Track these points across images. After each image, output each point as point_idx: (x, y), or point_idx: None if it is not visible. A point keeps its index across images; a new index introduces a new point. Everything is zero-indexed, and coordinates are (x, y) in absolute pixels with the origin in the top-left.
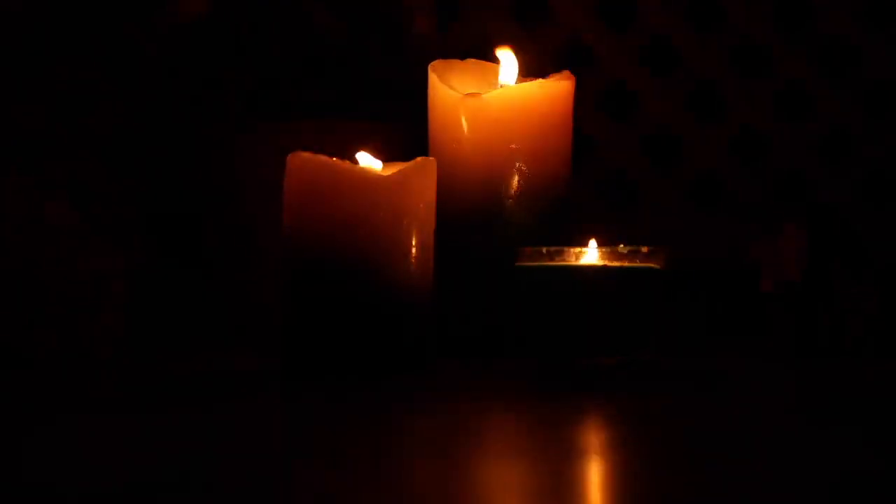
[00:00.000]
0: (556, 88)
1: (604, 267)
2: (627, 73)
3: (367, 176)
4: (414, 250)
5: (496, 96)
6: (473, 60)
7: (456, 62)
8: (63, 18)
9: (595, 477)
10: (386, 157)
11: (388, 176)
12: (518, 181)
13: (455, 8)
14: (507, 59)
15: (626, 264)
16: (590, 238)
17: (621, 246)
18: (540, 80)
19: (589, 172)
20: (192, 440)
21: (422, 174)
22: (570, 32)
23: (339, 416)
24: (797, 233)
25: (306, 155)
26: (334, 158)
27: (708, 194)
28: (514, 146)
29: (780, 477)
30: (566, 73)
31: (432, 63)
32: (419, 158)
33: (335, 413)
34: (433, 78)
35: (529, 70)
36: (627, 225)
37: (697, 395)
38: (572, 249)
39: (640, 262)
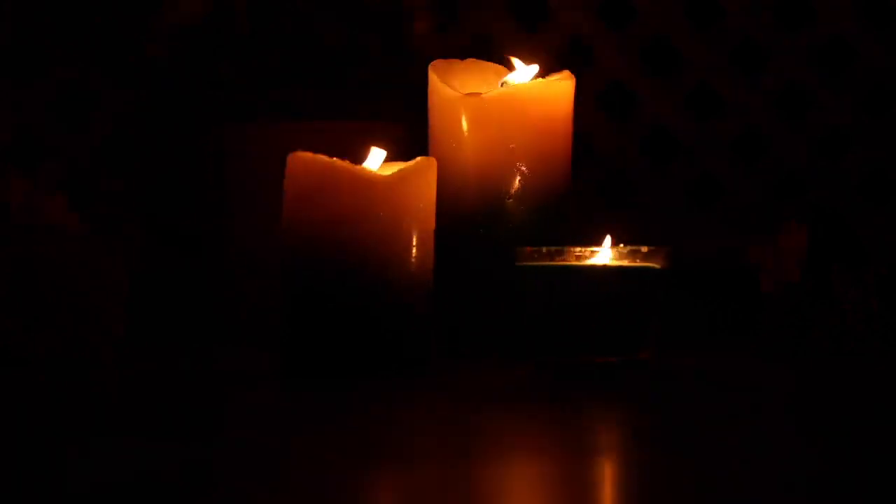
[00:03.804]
0: (556, 88)
1: (604, 267)
2: (627, 73)
3: (367, 176)
4: (414, 250)
5: (496, 96)
6: (473, 60)
7: (456, 62)
8: (63, 18)
9: (595, 476)
10: (386, 157)
11: (388, 176)
12: (518, 181)
13: (455, 8)
14: (519, 66)
15: (626, 264)
16: (595, 237)
17: (621, 246)
18: (540, 80)
19: (589, 172)
20: (192, 440)
21: (422, 174)
22: (570, 32)
23: (339, 416)
24: (797, 233)
25: (306, 155)
26: (334, 158)
27: (708, 194)
28: (514, 146)
29: (781, 476)
30: (566, 73)
31: (432, 63)
32: (419, 158)
33: (335, 413)
34: (433, 78)
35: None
36: (627, 225)
37: (697, 395)
38: (572, 249)
39: (640, 262)
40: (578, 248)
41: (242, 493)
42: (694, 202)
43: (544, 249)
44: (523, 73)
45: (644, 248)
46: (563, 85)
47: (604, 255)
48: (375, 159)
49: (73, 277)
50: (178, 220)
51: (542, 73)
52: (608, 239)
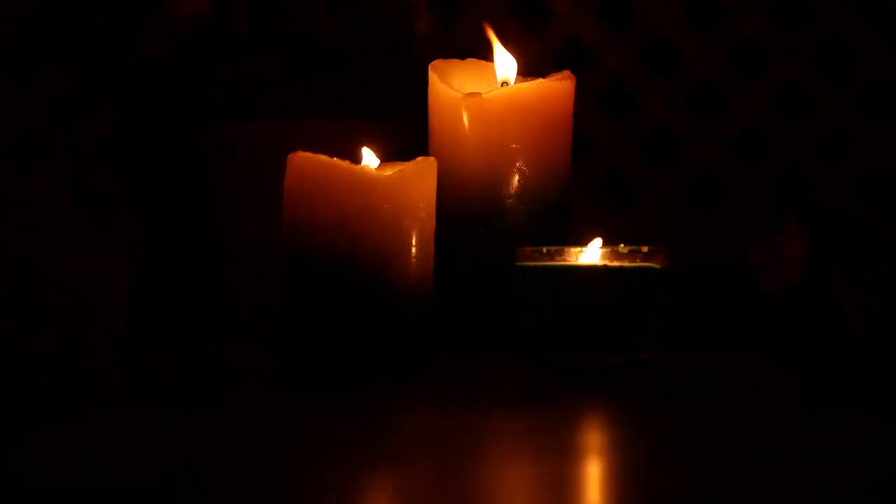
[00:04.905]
0: (556, 88)
1: (604, 267)
2: (627, 73)
3: (367, 176)
4: (414, 250)
5: (496, 96)
6: (473, 60)
7: (456, 62)
8: (63, 18)
9: (595, 477)
10: (386, 157)
11: (388, 176)
12: (518, 181)
13: (455, 8)
14: (503, 56)
15: (626, 264)
16: (594, 237)
17: (621, 246)
18: (540, 80)
19: (589, 172)
20: (193, 440)
21: (422, 174)
22: (570, 32)
23: (339, 417)
24: (797, 233)
25: (306, 155)
26: (334, 158)
27: (708, 194)
28: (514, 146)
29: (781, 476)
30: (566, 73)
31: (432, 63)
32: (419, 158)
33: (335, 413)
34: (433, 78)
35: (529, 70)
36: (627, 225)
37: (697, 395)
38: (572, 249)
39: (640, 262)
40: (578, 248)
41: (243, 494)
42: (694, 202)
43: (544, 249)
44: (503, 61)
45: (644, 248)
46: (563, 85)
47: (603, 255)
48: (369, 160)
49: (73, 277)
50: (178, 219)
51: (542, 73)
52: (598, 241)
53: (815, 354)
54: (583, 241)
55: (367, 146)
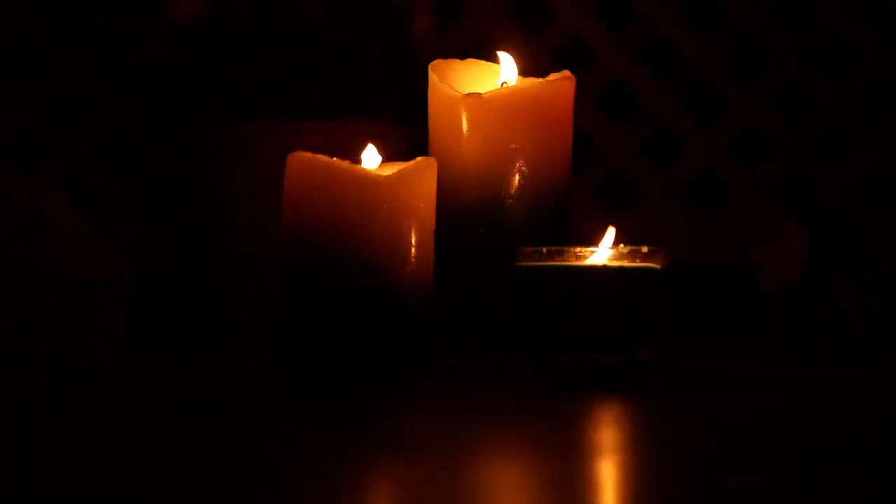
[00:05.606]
0: (556, 88)
1: (604, 267)
2: (627, 73)
3: (367, 176)
4: (414, 250)
5: (496, 96)
6: (473, 60)
7: (456, 62)
8: (63, 18)
9: (596, 477)
10: (386, 157)
11: (388, 176)
12: (518, 181)
13: (455, 8)
14: (506, 60)
15: (626, 264)
16: (594, 237)
17: (621, 246)
18: (540, 80)
19: (589, 172)
20: (193, 440)
21: (422, 174)
22: (570, 32)
23: (339, 417)
24: (797, 233)
25: (306, 155)
26: (334, 158)
27: (708, 194)
28: (514, 146)
29: (781, 477)
30: (566, 73)
31: (432, 63)
32: (419, 158)
33: (335, 414)
34: (433, 78)
35: (529, 70)
36: (627, 225)
37: (697, 396)
38: (572, 249)
39: (640, 262)
40: (578, 248)
41: (243, 494)
42: (694, 202)
43: (544, 249)
44: (508, 69)
45: (644, 248)
46: (563, 85)
47: (603, 252)
48: (371, 158)
49: (73, 277)
50: (178, 220)
51: (542, 73)
52: (611, 231)
53: (815, 354)
54: (583, 242)
55: (374, 141)
